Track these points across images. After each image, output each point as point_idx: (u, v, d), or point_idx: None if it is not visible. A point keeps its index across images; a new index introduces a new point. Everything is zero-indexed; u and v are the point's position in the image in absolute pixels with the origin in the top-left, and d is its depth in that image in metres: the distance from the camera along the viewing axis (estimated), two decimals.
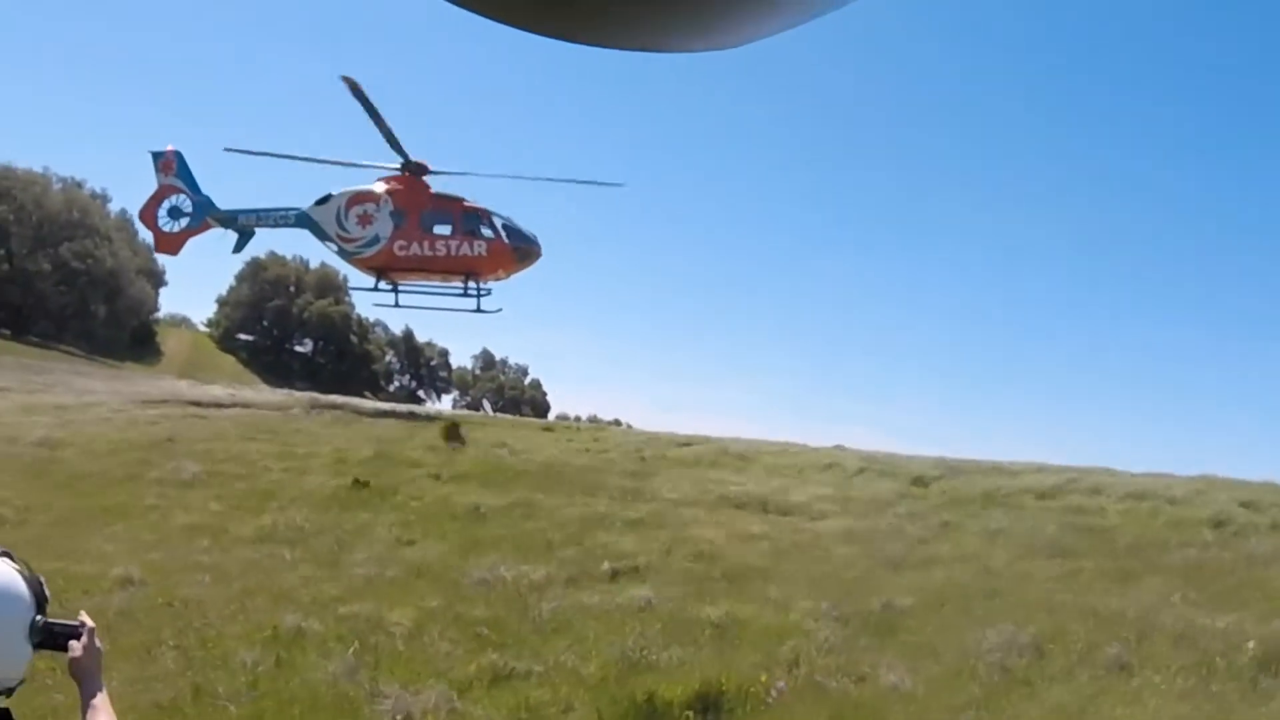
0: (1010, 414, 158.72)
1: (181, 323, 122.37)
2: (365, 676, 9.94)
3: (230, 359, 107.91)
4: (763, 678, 9.77)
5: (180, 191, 40.42)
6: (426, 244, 38.82)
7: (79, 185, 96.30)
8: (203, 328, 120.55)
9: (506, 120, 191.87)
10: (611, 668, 10.23)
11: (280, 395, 50.49)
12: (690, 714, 8.97)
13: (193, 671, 10.23)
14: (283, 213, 40.49)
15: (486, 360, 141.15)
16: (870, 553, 15.79)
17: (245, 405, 39.56)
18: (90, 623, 3.69)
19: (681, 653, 10.67)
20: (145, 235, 47.75)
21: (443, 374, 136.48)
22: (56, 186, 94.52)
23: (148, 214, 41.31)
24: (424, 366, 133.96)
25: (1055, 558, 15.70)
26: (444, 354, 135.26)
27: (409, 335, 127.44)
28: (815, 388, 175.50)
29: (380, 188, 39.47)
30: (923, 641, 11.55)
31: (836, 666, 10.46)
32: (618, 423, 56.88)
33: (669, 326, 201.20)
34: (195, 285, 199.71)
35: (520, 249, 39.62)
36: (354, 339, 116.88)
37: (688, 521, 17.95)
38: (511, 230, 39.33)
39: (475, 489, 20.19)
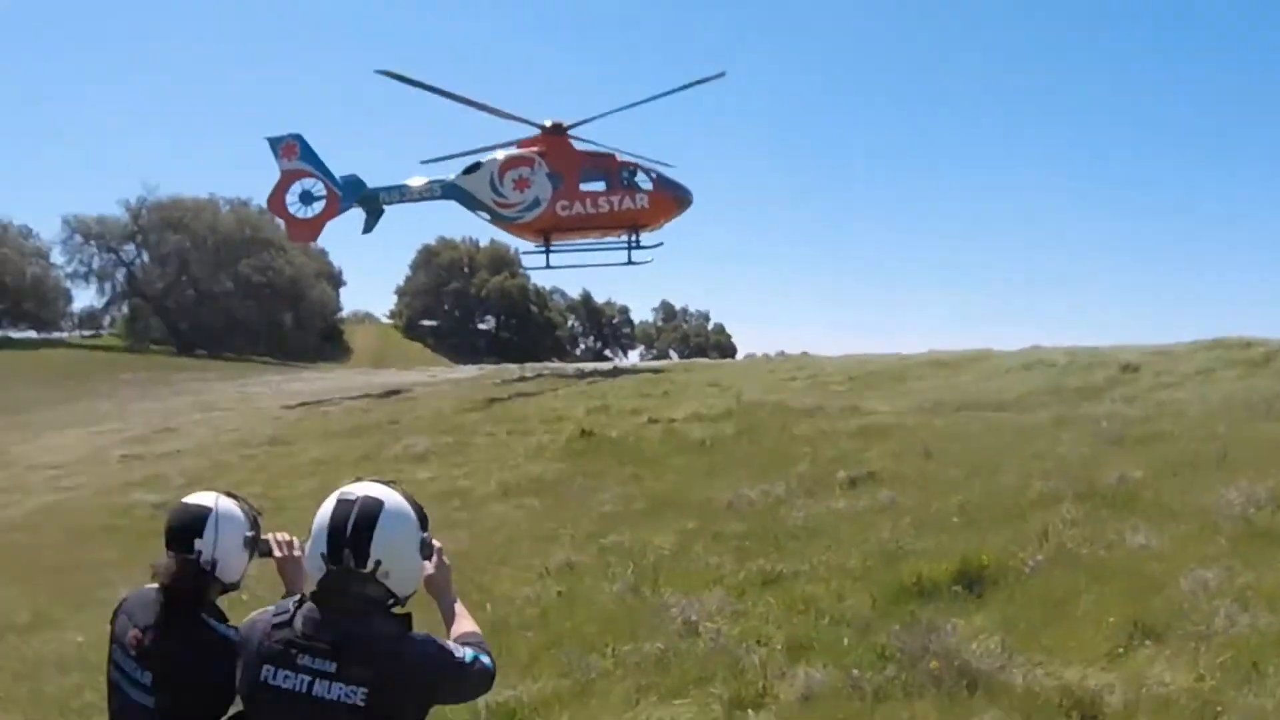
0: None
1: (365, 318, 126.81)
2: (648, 591, 10.79)
3: (417, 345, 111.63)
4: (1019, 552, 10.27)
5: (309, 175, 39.99)
6: (589, 201, 39.44)
7: (245, 204, 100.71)
8: (386, 320, 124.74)
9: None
10: (872, 559, 10.87)
11: (479, 370, 52.26)
12: (959, 589, 9.53)
13: (479, 611, 11.13)
14: (426, 186, 40.63)
15: (667, 312, 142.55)
16: (1094, 435, 15.99)
17: (453, 383, 41.31)
18: (437, 544, 4.26)
19: (935, 540, 11.24)
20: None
21: (625, 331, 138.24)
22: (225, 209, 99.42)
23: (276, 202, 40.98)
24: (606, 326, 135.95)
25: (1277, 420, 15.69)
26: (624, 311, 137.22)
27: (587, 298, 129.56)
28: (970, 299, 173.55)
29: (530, 150, 39.93)
30: (1161, 506, 11.80)
31: (1084, 537, 10.82)
32: (805, 355, 56.88)
33: (829, 255, 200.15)
34: (373, 281, 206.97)
35: (678, 197, 40.18)
36: (534, 309, 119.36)
37: (910, 427, 18.50)
38: (664, 180, 39.87)
39: (697, 425, 21.09)
